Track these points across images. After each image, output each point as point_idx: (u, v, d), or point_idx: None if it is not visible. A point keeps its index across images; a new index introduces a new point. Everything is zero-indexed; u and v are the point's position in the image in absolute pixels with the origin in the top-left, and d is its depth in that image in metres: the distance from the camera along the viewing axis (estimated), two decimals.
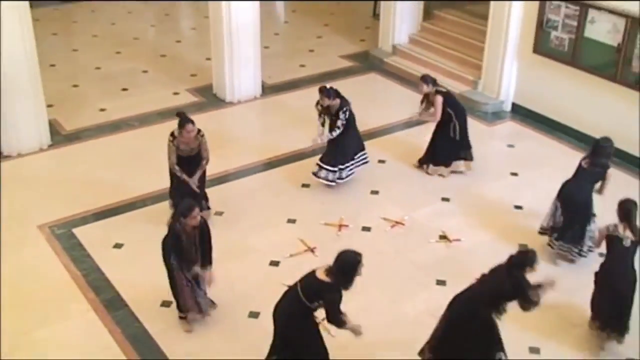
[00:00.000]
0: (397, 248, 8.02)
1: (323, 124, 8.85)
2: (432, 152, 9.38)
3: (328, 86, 8.64)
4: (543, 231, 7.95)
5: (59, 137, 10.15)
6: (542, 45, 10.44)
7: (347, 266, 5.55)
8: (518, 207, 8.74)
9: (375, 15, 14.81)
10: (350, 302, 6.83)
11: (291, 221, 8.41)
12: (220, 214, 8.48)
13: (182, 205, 6.37)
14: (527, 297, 5.65)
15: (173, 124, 10.44)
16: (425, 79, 8.95)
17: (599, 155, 7.49)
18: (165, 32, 14.62)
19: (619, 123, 9.59)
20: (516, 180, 9.37)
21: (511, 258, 5.81)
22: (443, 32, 12.68)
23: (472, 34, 12.13)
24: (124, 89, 11.79)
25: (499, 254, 7.35)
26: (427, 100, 9.07)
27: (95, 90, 11.75)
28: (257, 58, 11.38)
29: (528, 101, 10.91)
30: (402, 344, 6.60)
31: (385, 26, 13.01)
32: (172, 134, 7.74)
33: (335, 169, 8.87)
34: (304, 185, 9.13)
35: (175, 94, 11.63)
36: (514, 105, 11.19)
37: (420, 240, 8.14)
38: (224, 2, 10.65)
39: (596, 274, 6.63)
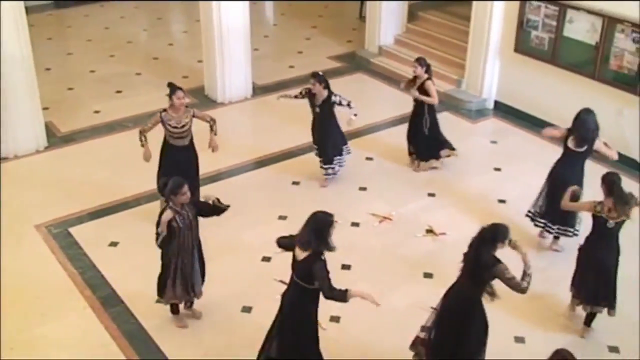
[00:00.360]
0: (385, 243, 8.20)
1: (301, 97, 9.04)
2: (415, 150, 9.60)
3: (321, 72, 8.81)
4: (531, 216, 8.09)
5: (55, 138, 10.31)
6: (522, 45, 10.68)
7: (318, 227, 5.56)
8: (502, 201, 8.97)
9: (362, 17, 14.99)
10: None
11: (282, 218, 8.59)
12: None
13: (171, 183, 6.26)
14: (501, 274, 5.59)
15: None
16: (421, 61, 9.11)
17: (583, 130, 7.42)
18: (158, 35, 14.78)
19: (598, 119, 9.84)
20: (499, 175, 9.59)
21: (482, 231, 5.75)
22: (427, 33, 12.89)
23: (455, 35, 12.35)
24: (118, 91, 11.96)
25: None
26: (414, 83, 9.23)
27: (90, 92, 11.91)
28: (248, 60, 11.57)
29: (510, 99, 11.14)
30: (391, 337, 6.77)
31: (371, 28, 13.23)
32: (164, 109, 7.91)
33: (334, 164, 9.17)
34: (294, 183, 9.33)
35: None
36: (496, 102, 11.42)
37: (408, 235, 8.32)
38: (214, 5, 10.83)
39: (580, 249, 6.76)
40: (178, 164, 7.83)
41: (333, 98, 8.78)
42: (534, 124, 10.71)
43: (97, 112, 11.19)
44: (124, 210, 8.72)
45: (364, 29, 13.64)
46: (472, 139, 10.54)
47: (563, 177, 7.56)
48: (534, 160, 9.72)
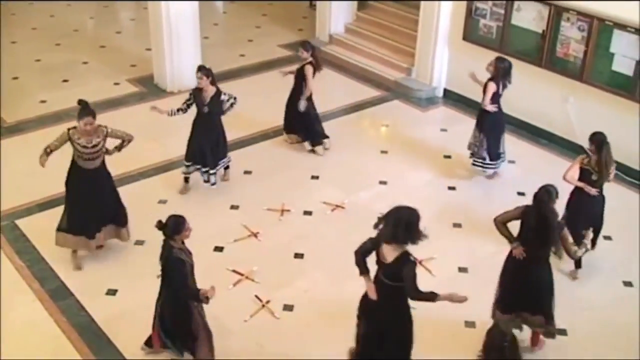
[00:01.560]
0: (337, 231, 8.22)
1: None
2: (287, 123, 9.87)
3: (208, 66, 8.48)
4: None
5: (0, 129, 10.11)
6: (471, 33, 10.80)
7: (408, 222, 5.45)
8: (451, 188, 9.10)
9: (312, 6, 15.00)
10: (293, 284, 7.11)
11: (234, 207, 8.58)
12: (164, 202, 8.62)
13: (170, 223, 5.76)
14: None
15: (113, 114, 10.57)
16: (306, 45, 9.32)
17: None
18: (105, 23, 14.57)
19: (544, 106, 10.05)
20: (449, 162, 9.71)
21: (540, 195, 6.02)
22: (377, 22, 12.95)
23: (406, 23, 12.42)
24: (65, 81, 11.77)
25: (434, 233, 7.71)
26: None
27: (36, 82, 11.73)
28: (197, 48, 11.49)
29: (459, 87, 11.24)
30: (344, 322, 6.80)
31: (322, 16, 13.26)
32: (73, 127, 7.17)
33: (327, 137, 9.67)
34: (246, 172, 9.30)
35: (116, 84, 11.67)
36: (445, 91, 11.54)
37: (360, 223, 8.19)
38: None
39: (569, 202, 7.35)
40: (88, 191, 7.28)
41: (222, 96, 8.46)
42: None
43: (43, 101, 11.01)
44: None
45: (314, 17, 13.68)
46: (422, 127, 10.65)
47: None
48: None
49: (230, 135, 9.23)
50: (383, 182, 9.20)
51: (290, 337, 6.65)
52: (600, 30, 9.25)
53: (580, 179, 7.26)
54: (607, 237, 8.20)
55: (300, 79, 9.40)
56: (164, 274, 5.87)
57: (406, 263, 5.40)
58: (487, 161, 9.03)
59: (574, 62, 9.66)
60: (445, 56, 11.33)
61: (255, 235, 8.07)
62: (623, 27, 9.00)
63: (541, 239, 6.07)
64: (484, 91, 8.70)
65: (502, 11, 10.25)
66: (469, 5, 10.67)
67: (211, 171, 8.65)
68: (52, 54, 12.79)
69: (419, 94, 11.53)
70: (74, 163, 7.28)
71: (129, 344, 6.56)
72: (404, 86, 11.58)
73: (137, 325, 6.70)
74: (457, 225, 8.29)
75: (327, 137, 9.80)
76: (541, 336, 6.60)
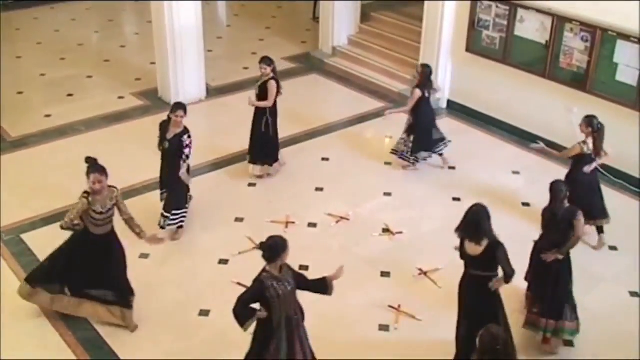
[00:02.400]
0: (342, 242, 8.23)
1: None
2: (250, 149, 9.38)
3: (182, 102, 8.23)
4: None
5: (5, 144, 10.14)
6: (474, 44, 10.82)
7: (483, 217, 5.89)
8: (456, 199, 9.07)
9: (315, 18, 15.00)
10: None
11: (239, 220, 8.57)
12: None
13: (265, 247, 5.55)
14: None
15: (118, 128, 10.62)
16: (266, 60, 8.83)
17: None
18: (109, 37, 14.62)
19: (548, 116, 10.04)
20: (454, 174, 9.69)
21: (555, 188, 6.49)
22: (380, 33, 12.99)
23: (408, 35, 12.46)
24: (69, 95, 11.80)
25: (440, 244, 7.75)
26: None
27: (41, 96, 11.77)
28: (201, 61, 11.53)
29: (463, 98, 11.27)
30: (348, 335, 6.83)
31: (325, 28, 13.30)
32: (87, 192, 6.47)
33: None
34: (250, 185, 9.31)
35: (120, 98, 11.70)
36: (449, 102, 11.54)
37: (364, 234, 8.36)
38: (166, 6, 10.77)
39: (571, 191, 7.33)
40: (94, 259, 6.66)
41: (184, 137, 7.86)
42: (486, 122, 10.89)
43: (48, 116, 11.03)
44: None
45: (317, 30, 13.72)
46: None
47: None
48: (486, 157, 9.90)
49: (234, 147, 9.23)
50: (387, 194, 9.20)
51: None
52: (603, 40, 9.26)
53: (577, 167, 7.81)
54: (613, 247, 8.19)
55: (264, 94, 8.91)
56: None
57: (497, 248, 5.78)
58: (408, 155, 9.52)
59: (577, 73, 9.66)
60: (448, 68, 11.33)
61: (260, 247, 8.03)
62: (626, 37, 9.01)
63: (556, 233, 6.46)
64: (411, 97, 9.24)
65: (505, 22, 10.27)
66: (472, 17, 10.68)
67: (165, 214, 8.08)
68: (57, 69, 12.84)
69: None
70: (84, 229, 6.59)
71: (133, 357, 6.55)
72: (408, 97, 11.51)
73: (143, 340, 6.72)
74: None
75: (277, 160, 9.44)
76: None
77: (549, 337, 6.64)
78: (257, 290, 5.48)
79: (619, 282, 7.68)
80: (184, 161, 7.92)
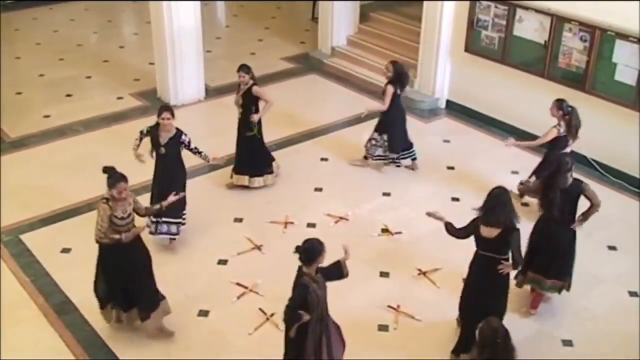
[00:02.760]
0: (341, 243, 8.16)
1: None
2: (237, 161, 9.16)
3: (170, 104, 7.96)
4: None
5: (4, 144, 10.14)
6: (473, 44, 10.82)
7: (497, 201, 6.01)
8: (455, 199, 9.08)
9: (314, 19, 15.00)
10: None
11: (238, 220, 8.57)
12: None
13: (300, 250, 5.56)
14: None
15: (117, 128, 10.61)
16: (243, 68, 8.60)
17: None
18: (108, 38, 14.62)
19: (547, 116, 10.00)
20: (453, 174, 9.70)
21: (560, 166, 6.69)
22: (379, 34, 12.98)
23: (407, 35, 12.46)
24: (68, 95, 11.81)
25: (439, 244, 7.75)
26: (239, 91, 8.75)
27: (39, 97, 11.77)
28: (200, 61, 11.53)
29: (461, 98, 11.28)
30: (348, 334, 6.77)
31: (324, 28, 13.29)
32: (106, 199, 6.29)
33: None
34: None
35: (119, 98, 11.70)
36: (448, 102, 11.55)
37: (364, 235, 8.34)
38: (165, 6, 10.77)
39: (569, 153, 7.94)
40: (126, 268, 6.49)
41: (183, 137, 7.73)
42: (485, 122, 10.90)
43: (47, 116, 11.04)
44: (76, 215, 8.60)
45: (316, 30, 13.70)
46: (425, 139, 10.61)
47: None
48: (485, 157, 9.89)
49: (233, 148, 9.21)
50: (386, 194, 9.20)
51: None
52: (602, 40, 9.26)
53: (553, 150, 8.14)
54: (612, 247, 8.20)
55: (250, 103, 8.69)
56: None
57: (512, 233, 5.96)
58: (383, 154, 9.49)
59: (576, 73, 9.66)
60: (447, 68, 11.34)
61: (258, 248, 8.07)
62: (625, 37, 9.01)
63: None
64: (384, 94, 9.20)
65: (504, 22, 10.27)
66: (471, 17, 10.68)
67: (174, 220, 7.86)
68: (56, 69, 12.84)
69: (422, 105, 11.53)
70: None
71: (133, 357, 6.55)
72: (407, 98, 11.51)
73: (142, 341, 6.72)
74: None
75: (271, 172, 9.25)
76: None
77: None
78: (303, 294, 5.49)
79: (619, 282, 7.67)
80: (201, 153, 7.83)
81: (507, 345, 4.84)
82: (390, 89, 9.14)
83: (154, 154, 7.79)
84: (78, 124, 10.80)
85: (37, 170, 9.57)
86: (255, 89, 8.63)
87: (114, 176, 6.26)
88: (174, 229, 7.89)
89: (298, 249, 5.57)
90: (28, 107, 11.39)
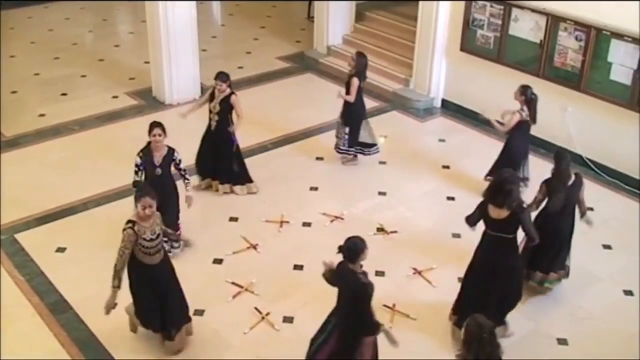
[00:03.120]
0: (336, 242, 8.02)
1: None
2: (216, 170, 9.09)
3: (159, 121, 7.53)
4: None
5: None
6: (469, 44, 10.82)
7: (502, 184, 6.12)
8: (450, 199, 9.09)
9: (310, 18, 15.01)
10: (292, 295, 7.08)
11: (233, 219, 8.56)
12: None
13: (344, 248, 5.62)
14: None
15: (112, 127, 10.59)
16: (222, 76, 8.54)
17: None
18: (103, 37, 14.58)
19: (542, 115, 10.00)
20: (448, 172, 9.70)
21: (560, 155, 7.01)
22: (375, 33, 12.99)
23: (403, 34, 12.46)
24: (63, 94, 11.79)
25: (434, 244, 7.76)
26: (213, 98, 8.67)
27: (35, 96, 11.73)
28: (196, 60, 11.52)
29: (457, 97, 11.28)
30: None
31: (320, 28, 13.27)
32: (132, 222, 5.97)
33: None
34: None
35: (115, 97, 11.68)
36: (443, 101, 11.56)
37: (359, 234, 8.22)
38: (160, 5, 10.75)
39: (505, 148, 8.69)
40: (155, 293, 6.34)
41: (175, 154, 7.45)
42: (480, 121, 10.87)
43: (42, 115, 11.01)
44: (71, 215, 8.59)
45: (312, 29, 13.69)
46: (420, 138, 10.65)
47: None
48: (481, 156, 9.85)
49: None
50: (382, 193, 9.20)
51: (290, 349, 6.60)
52: (597, 39, 9.26)
53: (515, 134, 8.59)
54: (607, 246, 8.21)
55: (226, 111, 8.62)
56: (347, 303, 5.67)
57: (522, 212, 6.15)
58: (347, 147, 9.51)
59: (571, 72, 9.67)
60: (443, 67, 11.35)
61: (254, 247, 8.06)
62: (620, 36, 9.02)
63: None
64: (348, 86, 9.27)
65: (500, 22, 10.28)
66: (466, 16, 10.69)
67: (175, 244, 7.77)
68: (51, 68, 12.82)
69: (417, 104, 11.54)
70: (133, 258, 6.09)
71: (128, 357, 6.54)
72: (402, 97, 11.61)
73: (138, 341, 6.70)
74: (456, 236, 8.26)
75: (251, 180, 9.15)
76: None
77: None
78: (371, 293, 5.60)
79: (614, 281, 7.68)
80: (186, 179, 7.54)
81: (493, 340, 4.85)
82: (355, 82, 9.18)
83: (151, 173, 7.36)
84: (73, 122, 10.78)
85: (32, 169, 9.56)
86: (234, 98, 8.55)
87: (142, 190, 6.11)
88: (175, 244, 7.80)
89: (341, 249, 5.63)
90: (23, 106, 11.36)
